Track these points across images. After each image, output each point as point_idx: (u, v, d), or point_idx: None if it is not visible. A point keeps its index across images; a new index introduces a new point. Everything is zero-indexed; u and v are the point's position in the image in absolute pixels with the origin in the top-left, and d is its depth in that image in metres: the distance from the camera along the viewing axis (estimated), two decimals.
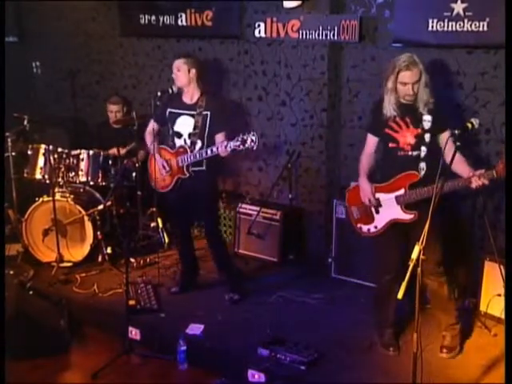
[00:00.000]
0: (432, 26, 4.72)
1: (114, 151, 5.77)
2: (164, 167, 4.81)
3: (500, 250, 4.33)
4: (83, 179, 5.63)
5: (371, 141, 4.15)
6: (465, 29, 4.58)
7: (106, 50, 6.92)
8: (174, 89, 5.16)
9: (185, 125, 4.76)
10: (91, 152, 5.64)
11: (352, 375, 3.88)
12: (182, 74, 4.73)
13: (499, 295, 4.32)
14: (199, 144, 4.71)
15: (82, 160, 5.60)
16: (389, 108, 3.93)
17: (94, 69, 7.07)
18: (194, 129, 4.71)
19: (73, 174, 5.61)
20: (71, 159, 5.59)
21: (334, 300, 4.88)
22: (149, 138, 5.00)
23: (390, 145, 3.99)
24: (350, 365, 3.99)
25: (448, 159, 3.56)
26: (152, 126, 4.99)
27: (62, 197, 5.49)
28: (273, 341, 4.14)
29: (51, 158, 5.50)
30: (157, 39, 6.50)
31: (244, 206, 5.79)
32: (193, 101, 4.78)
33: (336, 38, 5.18)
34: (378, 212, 4.10)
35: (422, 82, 3.84)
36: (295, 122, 5.69)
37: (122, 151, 5.78)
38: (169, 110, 4.83)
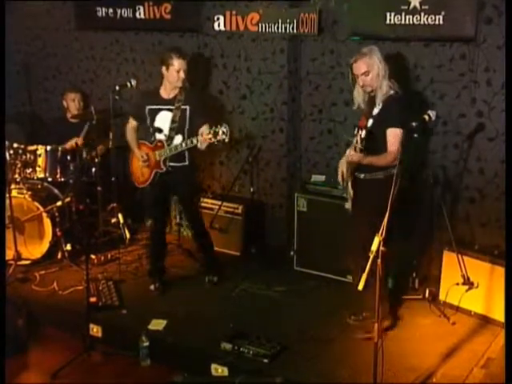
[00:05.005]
0: (390, 20, 4.77)
1: (71, 144, 5.66)
2: (142, 157, 4.78)
3: (458, 240, 4.42)
4: (41, 175, 5.51)
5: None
6: (421, 22, 4.64)
7: (61, 43, 6.77)
8: (133, 83, 5.11)
9: (164, 120, 4.73)
10: (49, 147, 5.53)
11: (315, 367, 3.90)
12: (183, 74, 4.64)
13: (457, 284, 4.41)
14: (179, 138, 4.71)
15: (40, 156, 5.49)
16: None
17: (49, 63, 6.92)
18: (173, 123, 4.69)
19: (30, 170, 5.49)
20: (28, 155, 5.47)
21: (296, 292, 4.90)
22: (130, 136, 4.93)
23: None
24: (313, 357, 4.01)
25: None
26: (131, 123, 4.94)
27: (18, 193, 5.38)
28: (236, 335, 4.13)
29: (7, 153, 5.37)
30: (114, 32, 6.39)
31: (206, 200, 5.77)
32: (171, 95, 4.73)
33: (295, 31, 5.19)
34: None
35: (375, 73, 3.98)
36: (256, 115, 5.69)
37: (80, 141, 5.69)
38: (148, 107, 4.74)
